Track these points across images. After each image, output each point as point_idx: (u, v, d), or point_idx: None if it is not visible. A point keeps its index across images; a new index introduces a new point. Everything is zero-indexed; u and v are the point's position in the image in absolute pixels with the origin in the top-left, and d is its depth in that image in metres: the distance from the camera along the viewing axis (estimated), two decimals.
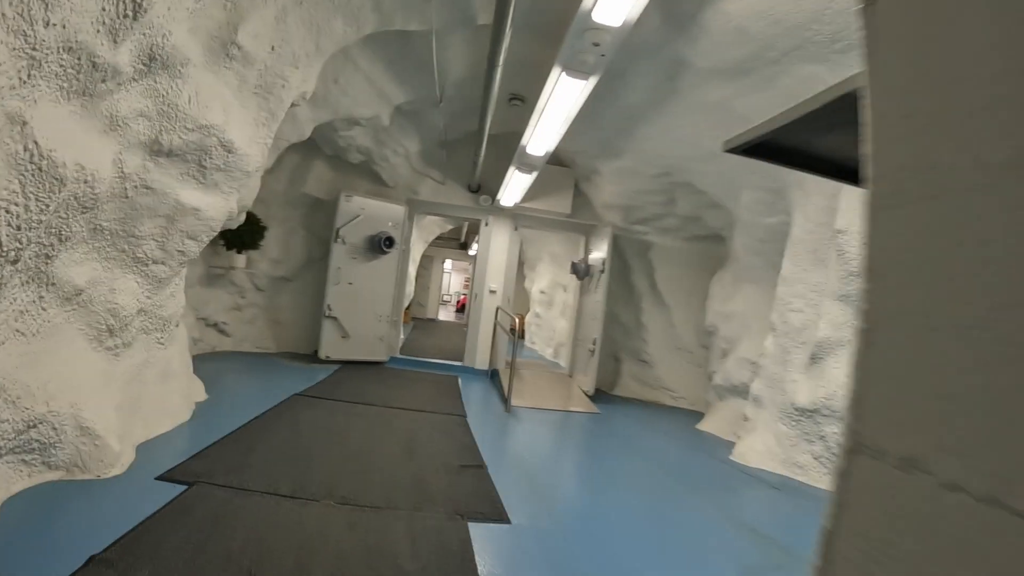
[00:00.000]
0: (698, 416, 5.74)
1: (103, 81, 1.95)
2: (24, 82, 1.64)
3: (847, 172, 1.15)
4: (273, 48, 2.92)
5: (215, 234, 3.05)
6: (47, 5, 1.59)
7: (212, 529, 2.00)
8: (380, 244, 6.21)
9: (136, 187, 2.44)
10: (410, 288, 10.31)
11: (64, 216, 2.03)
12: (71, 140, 1.90)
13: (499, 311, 6.80)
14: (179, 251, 2.81)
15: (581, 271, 7.00)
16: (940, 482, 0.41)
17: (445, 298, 22.41)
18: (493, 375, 6.74)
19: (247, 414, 3.58)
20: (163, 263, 2.76)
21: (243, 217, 4.43)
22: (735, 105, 3.82)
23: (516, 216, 6.92)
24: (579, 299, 7.26)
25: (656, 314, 6.75)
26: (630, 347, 6.99)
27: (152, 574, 1.66)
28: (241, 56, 2.70)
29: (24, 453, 2.12)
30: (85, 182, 2.02)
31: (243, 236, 5.32)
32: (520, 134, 4.45)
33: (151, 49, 2.13)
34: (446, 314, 20.11)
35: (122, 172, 2.32)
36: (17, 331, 2.04)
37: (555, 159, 6.14)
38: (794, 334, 4.02)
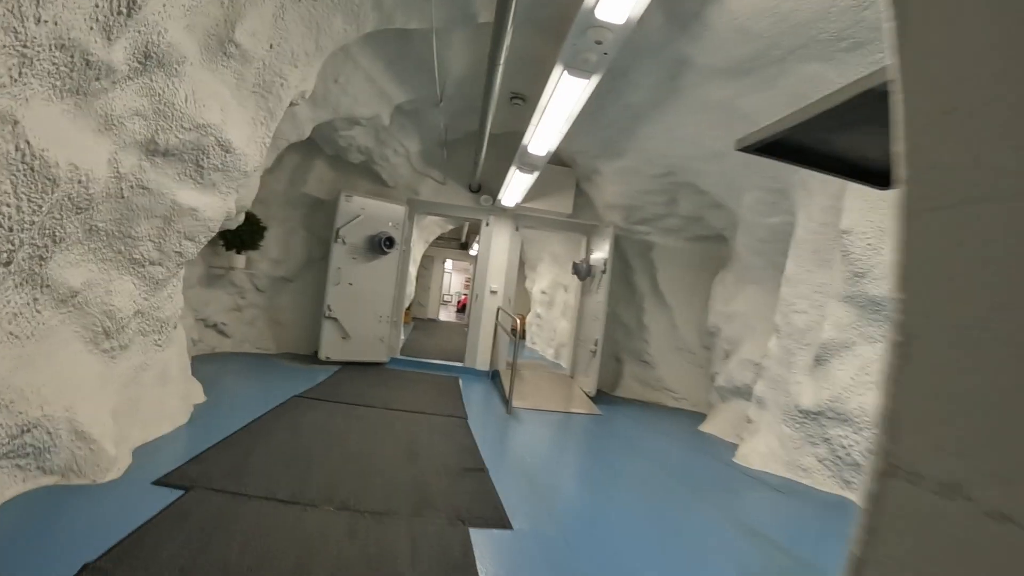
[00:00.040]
0: (700, 417, 5.70)
1: (97, 79, 1.92)
2: (15, 80, 1.60)
3: (861, 171, 1.11)
4: (272, 46, 2.88)
5: (213, 235, 3.02)
6: (39, 1, 1.56)
7: (209, 536, 1.96)
8: (380, 244, 6.18)
9: (132, 187, 2.40)
10: (410, 288, 10.29)
11: (58, 217, 1.99)
12: (64, 139, 1.86)
13: (500, 311, 6.77)
14: (176, 252, 2.77)
15: (582, 271, 6.97)
16: (984, 511, 0.38)
17: (446, 298, 22.39)
18: (494, 376, 6.71)
19: (246, 416, 3.55)
20: (160, 264, 2.73)
21: (242, 217, 4.40)
22: (738, 104, 3.78)
23: (517, 216, 6.89)
24: (580, 300, 7.22)
25: (658, 315, 6.72)
26: (632, 348, 6.96)
27: None
28: (239, 54, 2.67)
29: (18, 458, 2.09)
30: (79, 182, 1.99)
31: (243, 236, 5.30)
32: (521, 133, 4.41)
33: (146, 47, 2.09)
34: (447, 314, 20.10)
35: (117, 172, 2.29)
36: (11, 334, 2.01)
37: (556, 159, 6.11)
38: (798, 335, 3.98)
